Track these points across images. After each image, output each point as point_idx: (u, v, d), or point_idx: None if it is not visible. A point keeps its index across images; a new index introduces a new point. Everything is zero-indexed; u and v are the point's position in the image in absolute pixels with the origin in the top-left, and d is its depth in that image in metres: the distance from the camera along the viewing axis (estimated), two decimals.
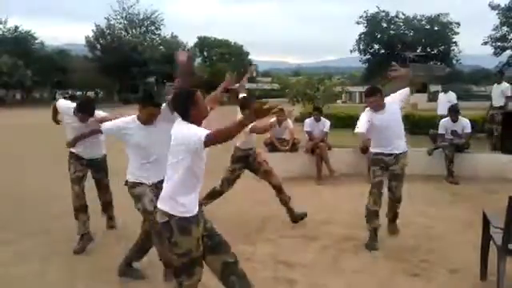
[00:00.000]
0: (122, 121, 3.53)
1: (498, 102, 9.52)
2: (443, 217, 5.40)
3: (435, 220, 5.26)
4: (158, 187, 3.30)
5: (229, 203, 5.60)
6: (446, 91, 10.53)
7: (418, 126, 14.15)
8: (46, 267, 3.88)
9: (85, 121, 4.21)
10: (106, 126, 3.65)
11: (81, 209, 4.33)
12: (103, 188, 4.75)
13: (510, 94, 9.48)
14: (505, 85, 9.74)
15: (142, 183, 3.48)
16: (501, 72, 11.62)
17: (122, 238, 4.59)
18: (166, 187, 2.64)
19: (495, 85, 10.00)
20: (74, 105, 4.32)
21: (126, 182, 3.55)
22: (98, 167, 4.62)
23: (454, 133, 7.51)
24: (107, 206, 4.87)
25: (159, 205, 2.65)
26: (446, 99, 10.05)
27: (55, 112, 4.56)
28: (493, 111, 9.73)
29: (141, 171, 3.49)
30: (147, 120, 3.42)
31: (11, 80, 43.97)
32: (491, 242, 3.44)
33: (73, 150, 4.44)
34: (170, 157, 2.65)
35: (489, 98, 10.63)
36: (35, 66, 48.67)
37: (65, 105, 4.45)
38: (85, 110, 4.20)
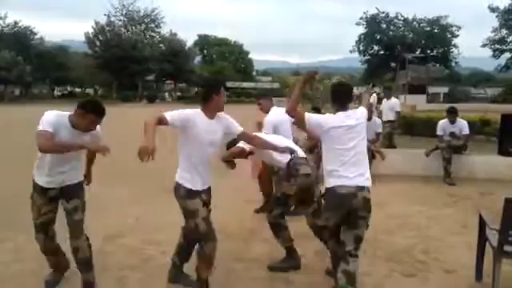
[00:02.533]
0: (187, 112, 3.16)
1: (387, 116, 9.81)
2: (439, 217, 5.42)
3: (431, 220, 5.28)
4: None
5: (224, 203, 5.60)
6: (388, 97, 10.18)
7: (416, 127, 14.19)
8: (42, 265, 3.86)
9: (90, 129, 3.15)
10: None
11: (52, 253, 3.41)
12: (76, 227, 3.26)
13: (399, 110, 9.96)
14: (393, 100, 10.15)
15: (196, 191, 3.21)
16: (389, 88, 11.92)
17: (120, 236, 4.59)
18: (366, 169, 3.15)
19: (384, 100, 10.30)
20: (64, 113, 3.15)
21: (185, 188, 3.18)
22: (72, 194, 3.28)
23: (452, 134, 7.52)
24: (84, 265, 3.27)
25: (368, 184, 3.10)
26: (388, 106, 9.90)
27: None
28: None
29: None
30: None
31: (10, 75, 43.88)
32: (487, 244, 3.46)
33: (37, 179, 3.22)
34: (360, 140, 3.15)
35: (487, 99, 10.79)
36: (34, 62, 48.59)
37: (54, 115, 3.09)
38: (100, 111, 3.14)
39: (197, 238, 3.24)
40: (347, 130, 3.10)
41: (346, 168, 3.05)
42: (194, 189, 3.16)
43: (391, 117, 9.75)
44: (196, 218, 3.11)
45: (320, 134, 3.14)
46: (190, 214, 3.14)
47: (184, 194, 3.15)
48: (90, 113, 3.08)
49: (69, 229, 3.28)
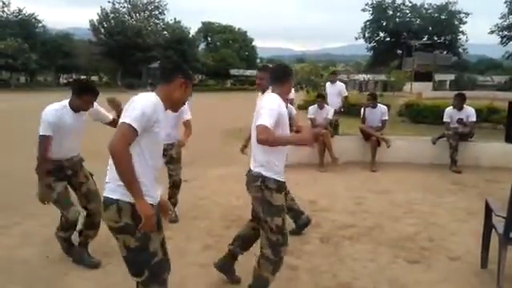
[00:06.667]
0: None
1: (335, 104, 8.52)
2: (445, 205, 5.40)
3: (437, 208, 5.26)
4: None
5: (233, 189, 5.60)
6: (333, 81, 9.07)
7: (422, 114, 14.11)
8: (49, 249, 3.90)
9: (89, 107, 3.46)
10: None
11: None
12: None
13: (346, 94, 9.08)
14: (340, 84, 9.10)
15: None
16: (334, 73, 10.34)
17: None
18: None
19: (328, 84, 9.24)
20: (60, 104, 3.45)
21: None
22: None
23: (459, 121, 7.44)
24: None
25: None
26: (335, 90, 8.86)
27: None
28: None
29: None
30: None
31: (16, 63, 43.92)
32: (493, 231, 3.44)
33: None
34: None
35: (494, 87, 10.48)
36: (40, 50, 48.56)
37: (53, 110, 3.39)
38: (92, 89, 3.43)
39: None
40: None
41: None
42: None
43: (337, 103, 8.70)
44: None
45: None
46: None
47: None
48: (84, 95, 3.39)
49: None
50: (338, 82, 9.15)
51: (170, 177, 4.73)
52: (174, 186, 4.74)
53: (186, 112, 4.68)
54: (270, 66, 4.73)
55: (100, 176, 4.48)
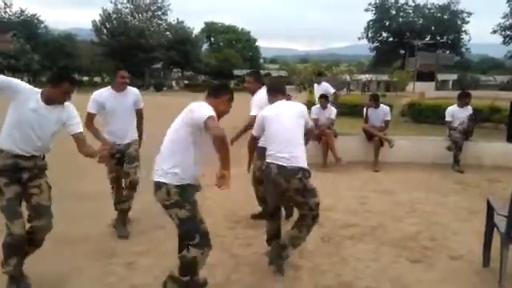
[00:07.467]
0: None
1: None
2: (447, 204, 5.41)
3: (439, 207, 5.28)
4: None
5: (235, 189, 5.61)
6: (319, 83, 9.46)
7: (424, 114, 14.10)
8: (51, 249, 3.90)
9: (65, 98, 3.10)
10: None
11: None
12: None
13: (334, 90, 9.37)
14: (325, 84, 9.36)
15: None
16: (320, 74, 10.75)
17: (128, 222, 4.63)
18: None
19: (315, 85, 9.64)
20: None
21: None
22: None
23: (470, 116, 7.40)
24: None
25: None
26: (321, 90, 8.95)
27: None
28: None
29: None
30: None
31: (18, 64, 44.07)
32: (495, 230, 3.46)
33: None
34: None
35: (496, 87, 10.45)
36: (42, 50, 48.73)
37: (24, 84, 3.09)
38: (70, 78, 3.13)
39: None
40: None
41: None
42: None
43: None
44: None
45: None
46: None
47: None
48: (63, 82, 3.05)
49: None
50: (323, 83, 9.48)
51: (126, 176, 4.28)
52: (131, 186, 4.29)
53: (140, 101, 4.51)
54: (258, 71, 5.24)
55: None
